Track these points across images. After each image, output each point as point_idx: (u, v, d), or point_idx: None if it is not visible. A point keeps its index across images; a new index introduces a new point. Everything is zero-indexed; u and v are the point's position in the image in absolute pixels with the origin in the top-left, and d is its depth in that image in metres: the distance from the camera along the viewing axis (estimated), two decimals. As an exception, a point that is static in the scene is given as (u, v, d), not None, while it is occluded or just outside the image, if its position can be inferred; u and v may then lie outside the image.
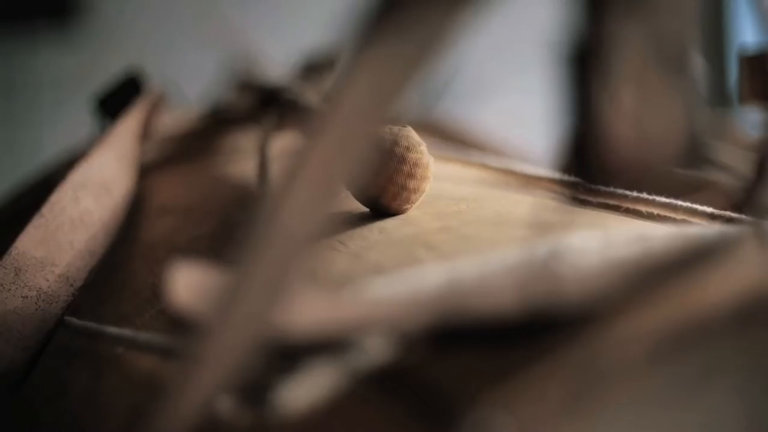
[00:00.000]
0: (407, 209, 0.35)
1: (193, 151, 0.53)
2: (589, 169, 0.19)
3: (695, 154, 0.19)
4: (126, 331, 0.31)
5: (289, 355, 0.22)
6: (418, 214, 0.34)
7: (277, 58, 1.00)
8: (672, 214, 0.33)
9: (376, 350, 0.21)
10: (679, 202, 0.33)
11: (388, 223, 0.34)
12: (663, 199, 0.33)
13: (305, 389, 0.22)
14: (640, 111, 0.19)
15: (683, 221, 0.33)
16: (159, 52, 1.48)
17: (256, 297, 0.20)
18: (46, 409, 0.34)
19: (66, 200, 0.40)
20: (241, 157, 0.49)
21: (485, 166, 0.42)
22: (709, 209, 0.32)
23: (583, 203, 0.34)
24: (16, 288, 0.35)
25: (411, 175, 0.34)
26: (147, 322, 0.33)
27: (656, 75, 0.19)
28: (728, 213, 0.32)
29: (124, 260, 0.41)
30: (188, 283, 0.24)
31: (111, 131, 0.46)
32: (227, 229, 0.39)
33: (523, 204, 0.36)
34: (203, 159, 0.51)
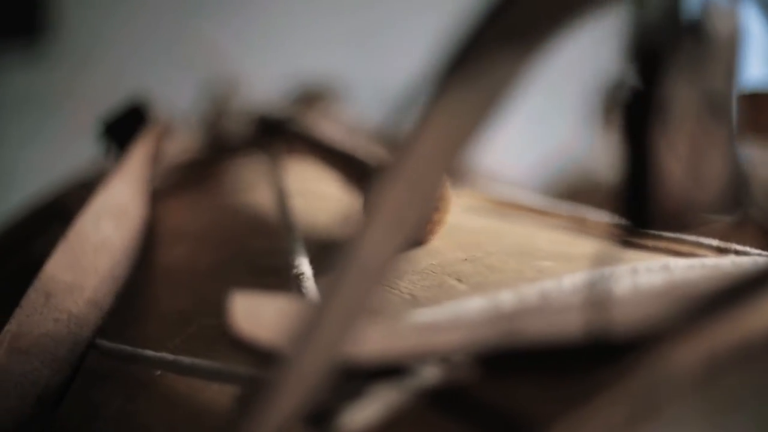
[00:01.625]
0: (429, 240, 0.36)
1: (200, 179, 0.54)
2: (642, 211, 0.21)
3: (740, 195, 0.21)
4: (166, 355, 0.32)
5: (353, 380, 0.23)
6: (441, 245, 0.36)
7: (260, 79, 1.01)
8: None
9: (437, 374, 0.23)
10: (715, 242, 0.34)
11: (413, 254, 0.35)
12: (708, 240, 0.34)
13: (367, 413, 0.23)
14: (693, 157, 0.20)
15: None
16: (130, 69, 1.48)
17: (333, 327, 0.21)
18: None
19: (89, 226, 0.41)
20: (251, 187, 0.50)
21: (524, 206, 0.43)
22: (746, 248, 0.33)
23: (630, 244, 0.36)
24: (48, 311, 0.36)
25: (436, 208, 0.36)
26: (180, 345, 0.35)
27: (706, 125, 0.21)
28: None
29: (144, 284, 0.42)
30: (248, 312, 0.25)
31: (126, 158, 0.48)
32: (246, 256, 0.40)
33: (540, 236, 0.38)
34: (211, 186, 0.52)
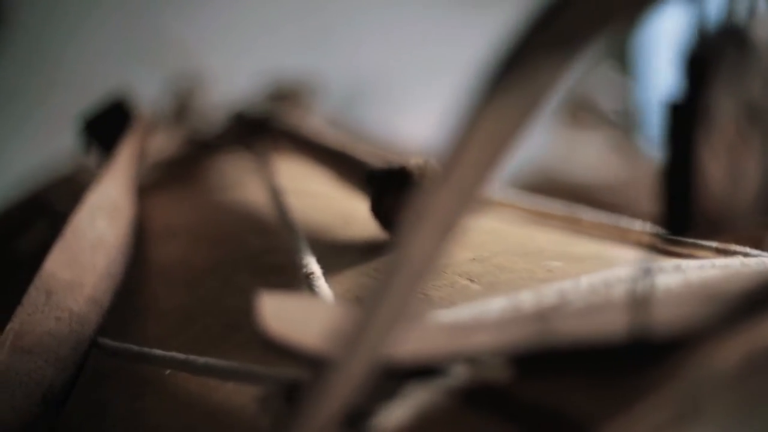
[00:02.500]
0: (432, 239, 0.37)
1: (184, 175, 0.54)
2: (682, 215, 0.21)
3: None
4: (176, 354, 0.32)
5: (387, 380, 0.23)
6: (443, 244, 0.36)
7: (226, 76, 1.01)
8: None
9: (472, 375, 0.23)
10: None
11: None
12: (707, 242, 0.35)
13: (401, 413, 0.23)
14: (731, 163, 0.21)
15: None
16: (93, 65, 1.46)
17: (379, 329, 0.21)
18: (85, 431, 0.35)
19: (85, 223, 0.41)
20: (242, 185, 0.50)
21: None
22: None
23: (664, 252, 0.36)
24: (49, 309, 0.36)
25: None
26: (185, 344, 0.35)
27: (744, 132, 0.21)
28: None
29: (140, 282, 0.42)
30: (278, 313, 0.25)
31: (116, 155, 0.47)
32: (245, 255, 0.40)
33: (540, 236, 0.38)
34: (198, 183, 0.52)
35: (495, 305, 0.27)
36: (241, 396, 0.30)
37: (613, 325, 0.22)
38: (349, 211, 0.43)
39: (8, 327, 0.35)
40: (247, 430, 0.29)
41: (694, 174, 0.21)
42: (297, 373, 0.26)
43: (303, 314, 0.26)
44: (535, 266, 0.33)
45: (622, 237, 0.39)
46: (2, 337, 0.34)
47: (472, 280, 0.32)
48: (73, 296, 0.37)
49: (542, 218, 0.42)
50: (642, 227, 0.39)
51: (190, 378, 0.32)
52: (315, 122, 0.55)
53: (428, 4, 1.88)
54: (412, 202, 0.22)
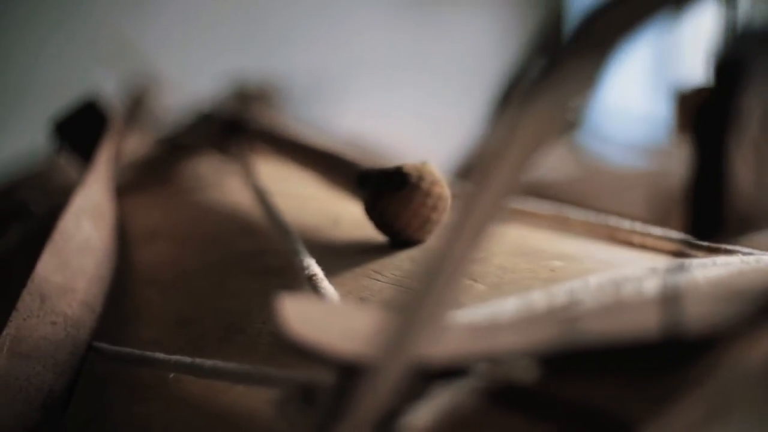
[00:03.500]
0: (427, 239, 0.37)
1: (161, 177, 0.54)
2: (710, 216, 0.22)
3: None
4: (182, 357, 0.32)
5: (417, 380, 0.24)
6: (437, 245, 0.36)
7: (182, 79, 1.01)
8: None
9: (500, 375, 0.23)
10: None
11: (415, 253, 0.36)
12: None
13: (431, 413, 0.24)
14: (758, 165, 0.21)
15: None
16: (45, 66, 1.45)
17: (417, 332, 0.22)
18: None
19: (71, 226, 0.40)
20: (222, 186, 0.50)
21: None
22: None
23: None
24: (44, 314, 0.36)
25: (435, 208, 0.36)
26: (186, 347, 0.34)
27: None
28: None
29: (128, 285, 0.41)
30: (301, 316, 0.25)
31: (97, 158, 0.47)
32: (238, 257, 0.40)
33: (533, 236, 0.39)
34: (175, 185, 0.52)
35: (509, 306, 0.28)
36: (250, 399, 0.30)
37: (643, 323, 0.23)
38: (335, 212, 0.43)
39: (5, 332, 0.34)
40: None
41: (725, 177, 0.21)
42: (311, 376, 0.26)
43: (325, 317, 0.26)
44: (536, 266, 0.33)
45: (610, 236, 0.40)
46: (-1, 342, 0.34)
47: (475, 281, 0.32)
48: (67, 300, 0.37)
49: (527, 218, 0.43)
50: (630, 227, 0.40)
51: (195, 381, 0.32)
52: (288, 123, 0.55)
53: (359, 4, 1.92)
54: (453, 206, 0.22)
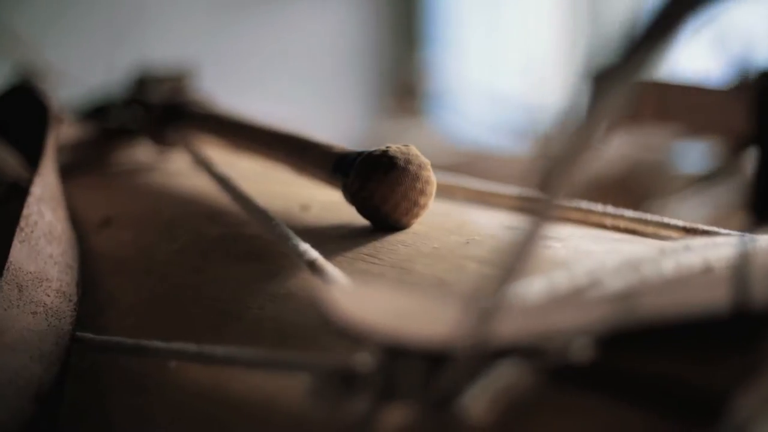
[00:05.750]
0: (412, 224, 0.37)
1: (99, 164, 0.52)
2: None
3: None
4: (187, 345, 0.31)
5: (477, 361, 0.24)
6: (425, 229, 0.36)
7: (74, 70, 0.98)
8: None
9: (575, 350, 0.24)
10: None
11: (403, 237, 0.36)
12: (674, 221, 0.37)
13: (492, 392, 0.24)
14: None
15: None
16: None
17: (491, 313, 0.22)
18: (89, 430, 0.33)
19: (35, 214, 0.39)
20: (168, 171, 0.49)
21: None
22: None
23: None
24: (24, 304, 0.34)
25: (422, 192, 0.36)
26: (176, 335, 0.34)
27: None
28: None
29: (91, 274, 0.40)
30: (353, 302, 0.25)
31: (47, 144, 0.45)
32: (207, 243, 0.39)
33: (506, 218, 0.39)
34: (120, 172, 0.50)
35: (537, 287, 0.28)
36: (267, 387, 0.29)
37: (709, 299, 0.23)
38: (300, 197, 0.43)
39: (-13, 324, 0.33)
40: (284, 419, 0.28)
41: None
42: (344, 360, 0.26)
43: (371, 301, 0.26)
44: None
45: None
46: (-17, 335, 0.33)
47: (480, 264, 0.32)
48: (43, 289, 0.36)
49: (495, 199, 0.43)
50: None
51: (200, 370, 0.32)
52: (226, 107, 0.55)
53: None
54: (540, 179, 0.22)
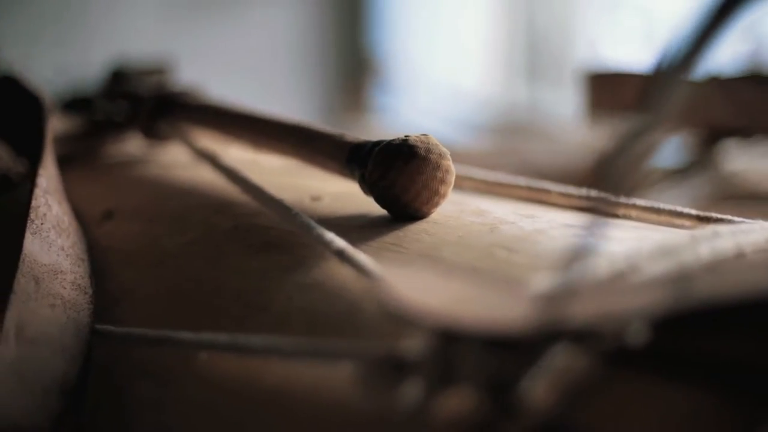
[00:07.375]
0: (432, 213, 0.37)
1: (91, 156, 0.51)
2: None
3: None
4: (218, 335, 0.31)
5: (532, 346, 0.24)
6: (442, 218, 0.36)
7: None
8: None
9: (632, 334, 0.24)
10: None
11: (425, 226, 0.35)
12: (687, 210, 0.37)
13: (550, 379, 0.24)
14: None
15: None
16: None
17: (567, 299, 0.22)
18: (109, 425, 0.33)
19: (43, 206, 0.38)
20: (165, 162, 0.48)
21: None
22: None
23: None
24: (42, 297, 0.34)
25: (443, 181, 0.36)
26: (200, 326, 0.33)
27: None
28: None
29: (100, 266, 0.40)
30: (414, 289, 0.25)
31: (47, 136, 0.45)
32: (221, 234, 0.39)
33: (524, 207, 0.39)
34: (113, 164, 0.50)
35: (582, 271, 0.28)
36: (302, 379, 0.29)
37: (759, 281, 0.23)
38: (310, 188, 0.42)
39: (8, 317, 0.32)
40: (330, 411, 0.28)
41: None
42: (392, 346, 0.25)
43: (425, 286, 0.26)
44: (560, 235, 0.33)
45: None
46: (5, 329, 0.32)
47: (511, 250, 0.32)
48: (59, 282, 0.35)
49: (510, 191, 0.43)
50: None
51: (230, 361, 0.31)
52: (218, 99, 0.54)
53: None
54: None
